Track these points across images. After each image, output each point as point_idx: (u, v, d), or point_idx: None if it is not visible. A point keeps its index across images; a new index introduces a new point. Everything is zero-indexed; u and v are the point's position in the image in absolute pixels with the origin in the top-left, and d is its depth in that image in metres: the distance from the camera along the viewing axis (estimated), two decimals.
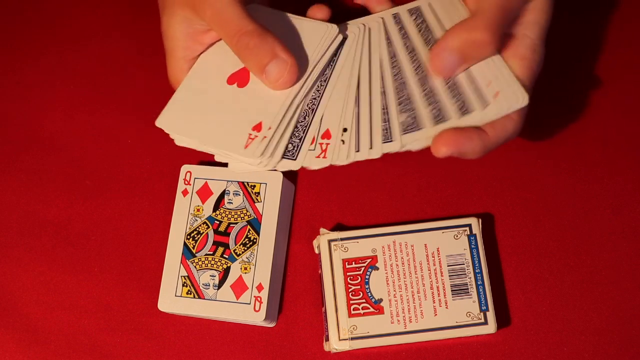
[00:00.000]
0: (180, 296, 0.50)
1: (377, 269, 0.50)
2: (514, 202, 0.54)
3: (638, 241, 0.53)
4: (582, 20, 0.57)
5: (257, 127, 0.45)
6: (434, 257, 0.50)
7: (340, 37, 0.47)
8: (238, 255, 0.50)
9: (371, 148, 0.44)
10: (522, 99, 0.44)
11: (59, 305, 0.54)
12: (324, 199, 0.55)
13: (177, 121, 0.47)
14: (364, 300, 0.50)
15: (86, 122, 0.58)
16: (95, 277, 0.54)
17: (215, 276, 0.50)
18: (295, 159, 0.45)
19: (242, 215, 0.51)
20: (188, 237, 0.51)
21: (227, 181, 0.52)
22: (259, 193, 0.52)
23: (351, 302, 0.50)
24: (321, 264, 0.51)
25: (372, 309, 0.50)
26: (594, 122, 0.55)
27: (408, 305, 0.49)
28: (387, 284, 0.50)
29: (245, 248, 0.51)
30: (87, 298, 0.54)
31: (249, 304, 0.49)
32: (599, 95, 0.56)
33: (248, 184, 0.52)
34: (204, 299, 0.50)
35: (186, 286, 0.50)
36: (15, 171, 0.57)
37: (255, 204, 0.51)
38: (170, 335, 0.53)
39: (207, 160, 0.54)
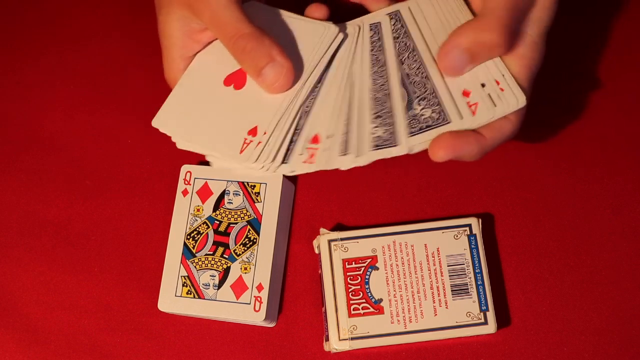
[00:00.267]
0: (180, 296, 0.50)
1: (377, 269, 0.50)
2: (514, 202, 0.54)
3: (638, 241, 0.53)
4: (582, 20, 0.57)
5: (253, 132, 0.45)
6: (434, 257, 0.50)
7: (341, 37, 0.47)
8: (238, 255, 0.50)
9: (358, 156, 0.44)
10: (519, 101, 0.43)
11: (59, 305, 0.54)
12: (324, 199, 0.55)
13: (173, 122, 0.47)
14: (364, 300, 0.50)
15: (86, 122, 0.58)
16: (95, 277, 0.54)
17: (215, 276, 0.50)
18: (287, 163, 0.45)
19: (242, 215, 0.51)
20: (188, 237, 0.51)
21: (227, 181, 0.52)
22: (259, 193, 0.52)
23: (351, 302, 0.50)
24: (321, 264, 0.51)
25: (372, 309, 0.50)
26: (594, 122, 0.55)
27: (408, 305, 0.49)
28: (387, 284, 0.50)
29: (245, 248, 0.51)
30: (87, 298, 0.54)
31: (249, 304, 0.49)
32: (599, 95, 0.56)
33: (248, 184, 0.52)
34: (204, 299, 0.50)
35: (186, 286, 0.50)
36: (15, 171, 0.57)
37: (255, 204, 0.51)
38: (170, 335, 0.53)
39: (207, 160, 0.54)
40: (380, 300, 0.50)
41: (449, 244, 0.51)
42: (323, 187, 0.55)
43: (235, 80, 0.47)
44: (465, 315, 0.49)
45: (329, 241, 0.51)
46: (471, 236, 0.51)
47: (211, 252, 0.51)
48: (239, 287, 0.50)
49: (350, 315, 0.49)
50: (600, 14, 0.58)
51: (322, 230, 0.52)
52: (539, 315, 0.51)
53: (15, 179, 0.57)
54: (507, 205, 0.54)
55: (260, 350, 0.52)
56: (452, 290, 0.50)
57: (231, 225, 0.51)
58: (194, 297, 0.50)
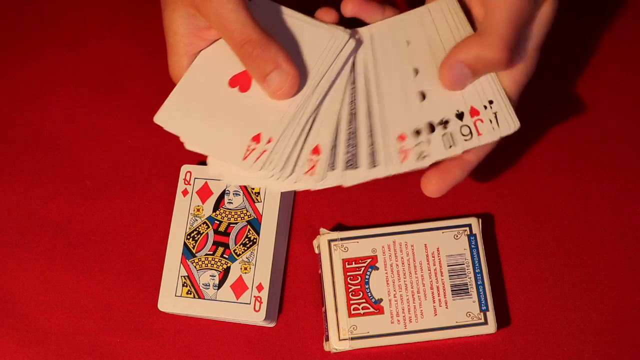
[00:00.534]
0: (180, 296, 0.50)
1: (377, 269, 0.50)
2: (514, 202, 0.54)
3: (638, 241, 0.53)
4: (582, 21, 0.57)
5: (256, 138, 0.44)
6: (434, 257, 0.50)
7: (352, 44, 0.45)
8: (238, 255, 0.50)
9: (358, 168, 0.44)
10: (512, 125, 0.43)
11: (59, 305, 0.54)
12: (324, 199, 0.55)
13: (176, 120, 0.46)
14: (364, 300, 0.50)
15: (86, 122, 0.58)
16: (95, 277, 0.54)
17: (215, 276, 0.50)
18: (293, 173, 0.45)
19: (242, 215, 0.51)
20: (188, 237, 0.51)
21: None
22: (259, 193, 0.52)
23: (351, 302, 0.50)
24: (321, 264, 0.51)
25: (372, 309, 0.50)
26: (594, 121, 0.55)
27: (408, 305, 0.49)
28: (387, 284, 0.50)
29: (245, 248, 0.51)
30: (87, 298, 0.54)
31: (249, 304, 0.49)
32: (599, 95, 0.56)
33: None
34: (204, 299, 0.50)
35: (186, 286, 0.50)
36: (15, 171, 0.57)
37: (255, 204, 0.51)
38: (170, 335, 0.53)
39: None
40: (380, 300, 0.50)
41: (449, 244, 0.51)
42: None
43: (241, 82, 0.46)
44: (465, 315, 0.49)
45: (329, 241, 0.51)
46: (471, 236, 0.51)
47: (211, 252, 0.51)
48: (239, 287, 0.50)
49: (350, 315, 0.49)
50: (599, 14, 0.58)
51: (322, 230, 0.52)
52: (539, 315, 0.51)
53: (15, 179, 0.57)
54: (507, 205, 0.54)
55: (260, 350, 0.52)
56: (452, 290, 0.50)
57: (231, 225, 0.51)
58: (194, 297, 0.50)
